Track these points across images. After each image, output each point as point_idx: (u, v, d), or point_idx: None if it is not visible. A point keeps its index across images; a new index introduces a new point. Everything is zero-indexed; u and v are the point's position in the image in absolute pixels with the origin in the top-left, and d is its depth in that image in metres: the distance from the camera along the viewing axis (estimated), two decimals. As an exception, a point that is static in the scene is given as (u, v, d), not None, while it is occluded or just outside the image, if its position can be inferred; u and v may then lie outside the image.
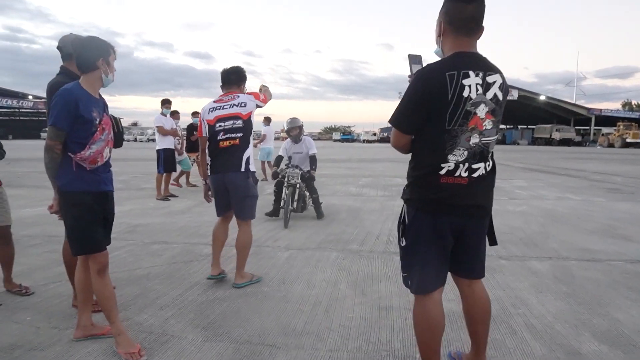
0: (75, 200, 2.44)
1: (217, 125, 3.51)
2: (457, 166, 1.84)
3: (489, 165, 1.91)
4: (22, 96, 58.55)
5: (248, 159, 3.52)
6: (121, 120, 3.26)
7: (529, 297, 3.36)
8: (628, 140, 46.59)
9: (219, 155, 3.51)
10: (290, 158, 6.55)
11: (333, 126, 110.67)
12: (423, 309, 2.02)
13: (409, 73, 2.12)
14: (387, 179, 12.06)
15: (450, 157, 1.83)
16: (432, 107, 1.79)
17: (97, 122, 2.46)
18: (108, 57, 2.52)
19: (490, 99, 1.81)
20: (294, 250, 4.66)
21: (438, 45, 1.95)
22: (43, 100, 72.78)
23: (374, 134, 74.19)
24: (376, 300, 3.30)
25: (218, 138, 3.51)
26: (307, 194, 6.47)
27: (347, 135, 78.60)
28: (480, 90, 1.78)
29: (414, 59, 2.16)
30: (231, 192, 3.54)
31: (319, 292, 3.45)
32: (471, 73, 1.77)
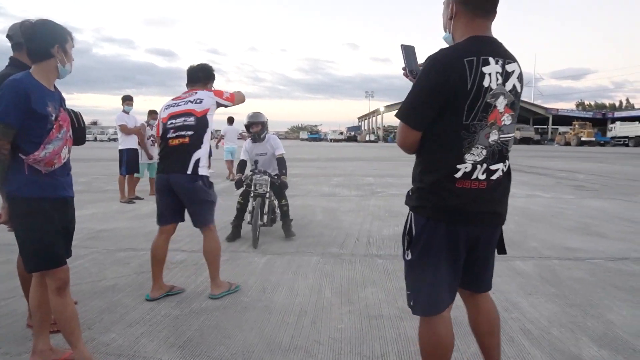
0: (28, 208, 2.12)
1: (169, 122, 3.25)
2: (474, 167, 1.62)
3: (506, 166, 1.73)
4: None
5: (198, 160, 3.15)
6: (81, 115, 2.95)
7: (520, 300, 3.26)
8: (583, 138, 48.76)
9: (167, 155, 3.22)
10: (255, 162, 5.21)
11: (300, 125, 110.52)
12: (431, 331, 1.78)
13: (403, 65, 1.91)
14: (359, 178, 11.95)
15: (467, 156, 1.61)
16: (448, 99, 1.55)
17: (53, 117, 2.16)
18: (65, 44, 2.21)
19: (509, 91, 1.62)
20: (271, 255, 4.42)
21: (447, 30, 1.73)
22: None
23: (341, 133, 74.55)
24: (364, 308, 3.11)
25: (168, 136, 3.23)
26: (276, 203, 5.32)
27: (314, 135, 78.63)
28: (500, 80, 1.58)
29: (408, 50, 1.93)
30: (181, 197, 3.20)
31: (302, 301, 3.23)
32: (491, 60, 1.57)
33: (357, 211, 6.92)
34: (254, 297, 3.32)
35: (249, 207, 5.09)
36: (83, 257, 4.34)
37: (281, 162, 5.21)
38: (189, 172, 3.10)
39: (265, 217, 5.00)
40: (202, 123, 3.19)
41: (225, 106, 3.34)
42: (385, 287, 3.53)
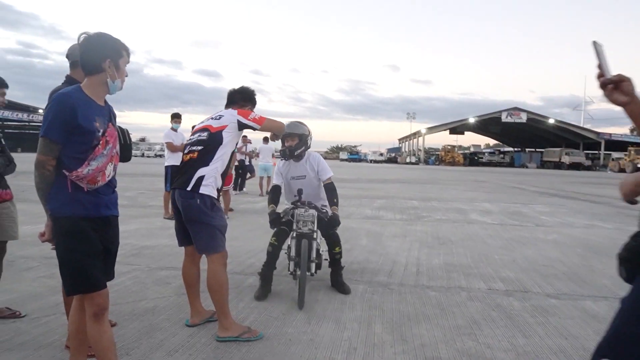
0: (69, 227, 2.01)
1: (189, 139, 3.14)
2: None
3: None
4: (33, 110, 58.99)
5: (202, 178, 2.85)
6: (129, 132, 2.89)
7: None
8: (639, 165, 45.94)
9: (179, 170, 3.07)
10: (299, 191, 3.83)
11: (340, 145, 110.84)
12: None
13: (597, 62, 1.51)
14: (402, 201, 11.59)
15: None
16: None
17: (100, 133, 2.06)
18: (118, 60, 2.13)
19: None
20: (315, 280, 4.20)
21: None
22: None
23: (381, 154, 74.03)
24: (420, 348, 2.82)
25: (184, 152, 3.11)
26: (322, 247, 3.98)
27: (354, 155, 78.45)
28: None
29: (599, 47, 1.57)
30: (182, 216, 2.94)
31: (351, 336, 2.98)
32: None
33: (402, 236, 6.61)
34: (299, 328, 3.09)
35: (286, 250, 3.88)
36: (125, 274, 4.28)
37: (330, 189, 3.93)
38: (188, 188, 2.83)
39: (312, 265, 3.67)
40: (214, 139, 2.94)
41: (253, 128, 3.07)
42: (441, 324, 3.22)
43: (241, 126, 3.02)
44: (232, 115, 3.03)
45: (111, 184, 2.18)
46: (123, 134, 2.84)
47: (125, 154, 2.90)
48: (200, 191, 2.83)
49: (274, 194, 3.98)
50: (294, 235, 3.73)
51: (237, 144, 3.19)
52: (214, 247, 2.91)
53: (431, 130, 65.63)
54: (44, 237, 2.09)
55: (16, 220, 3.23)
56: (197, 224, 2.88)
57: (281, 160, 4.15)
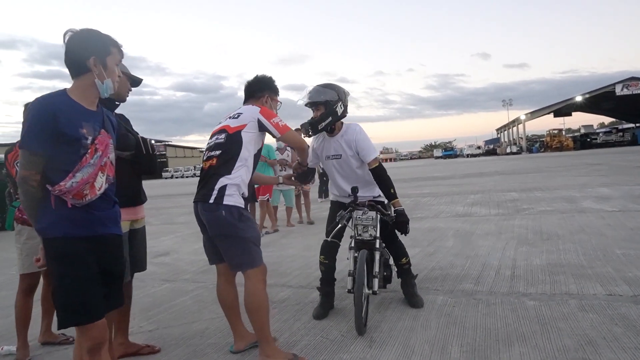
0: (58, 249, 1.77)
1: (208, 143, 2.73)
2: None
3: None
4: (144, 141, 65.78)
5: (225, 187, 2.47)
6: (151, 142, 2.67)
7: None
8: None
9: (200, 180, 2.67)
10: (354, 190, 3.08)
11: (433, 143, 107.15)
12: None
13: None
14: (500, 194, 10.41)
15: None
16: None
17: (89, 141, 1.80)
18: (105, 57, 1.88)
19: None
20: (385, 291, 3.65)
21: None
22: (163, 143, 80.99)
23: (478, 147, 69.87)
24: (510, 380, 2.16)
25: (203, 158, 2.71)
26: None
27: (449, 151, 75.05)
28: None
29: None
30: (209, 231, 2.60)
31: (420, 363, 2.40)
32: None
33: (497, 234, 5.73)
34: (356, 354, 2.59)
35: (350, 267, 3.03)
36: (189, 292, 4.12)
37: (379, 174, 3.10)
38: (210, 200, 2.47)
39: (375, 281, 2.97)
40: (233, 141, 2.56)
41: (272, 134, 2.66)
42: (541, 345, 2.50)
43: (262, 127, 2.62)
44: (252, 113, 2.64)
45: (108, 198, 1.91)
46: (145, 144, 2.64)
47: (148, 165, 2.69)
48: (225, 202, 2.47)
49: (302, 176, 3.31)
50: (352, 244, 3.09)
51: (261, 146, 2.77)
52: (250, 262, 2.54)
53: (532, 115, 60.42)
54: (39, 262, 1.87)
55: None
56: (226, 238, 2.53)
57: (318, 139, 3.33)
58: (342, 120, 3.20)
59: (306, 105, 3.14)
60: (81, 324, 1.79)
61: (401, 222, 3.04)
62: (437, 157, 71.68)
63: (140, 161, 2.64)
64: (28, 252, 2.93)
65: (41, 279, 3.12)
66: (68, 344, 3.07)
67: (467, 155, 64.56)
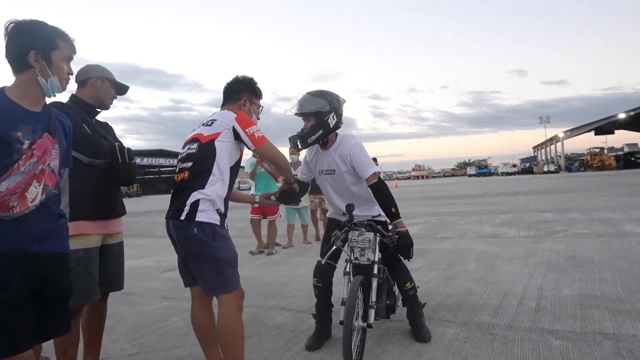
0: None
1: (180, 153, 2.46)
2: None
3: None
4: (182, 155, 69.54)
5: (197, 202, 2.19)
6: (130, 151, 2.47)
7: None
8: None
9: (172, 194, 2.38)
10: (349, 207, 2.71)
11: (468, 161, 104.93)
12: None
13: None
14: (533, 215, 9.79)
15: None
16: None
17: (24, 145, 1.58)
18: (50, 52, 1.68)
19: None
20: (392, 322, 3.28)
21: None
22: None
23: (514, 165, 67.86)
24: None
25: (176, 170, 2.43)
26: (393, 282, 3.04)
27: (482, 169, 73.13)
28: None
29: None
30: (180, 251, 2.35)
31: (415, 413, 2.04)
32: None
33: (524, 258, 5.24)
34: (343, 395, 2.25)
35: (343, 294, 2.62)
36: (184, 312, 3.87)
37: (378, 190, 2.75)
38: (182, 217, 2.20)
39: (371, 312, 2.54)
40: (205, 151, 2.28)
41: (247, 146, 2.37)
42: (564, 398, 2.08)
43: (237, 136, 2.32)
44: (227, 119, 2.34)
45: (47, 211, 1.67)
46: (122, 152, 2.44)
47: (124, 175, 2.48)
48: (197, 219, 2.20)
49: (287, 195, 2.88)
50: (347, 268, 2.69)
51: (239, 157, 2.45)
52: (223, 285, 2.25)
53: (571, 133, 58.25)
54: None
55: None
56: (197, 258, 2.25)
57: (312, 151, 3.04)
58: (336, 131, 2.90)
59: (296, 115, 2.83)
60: (5, 355, 1.54)
61: (403, 245, 2.64)
62: (470, 175, 69.92)
63: (116, 170, 2.43)
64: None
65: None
66: None
67: (502, 174, 62.72)
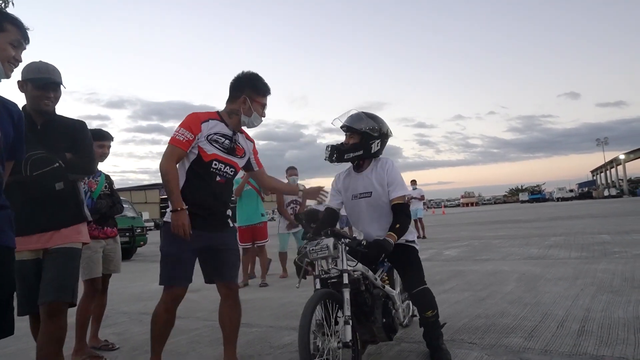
0: None
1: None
2: None
3: None
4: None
5: None
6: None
7: None
8: None
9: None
10: (353, 212, 2.81)
11: (520, 187, 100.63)
12: None
13: None
14: (588, 237, 8.95)
15: None
16: None
17: None
18: None
19: None
20: (408, 342, 2.91)
21: None
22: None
23: (571, 190, 64.17)
24: None
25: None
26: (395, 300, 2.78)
27: (536, 195, 69.68)
28: None
29: None
30: None
31: None
32: None
33: (572, 279, 4.66)
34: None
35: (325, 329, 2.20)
36: (190, 331, 3.66)
37: (398, 212, 2.62)
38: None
39: (347, 328, 2.15)
40: None
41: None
42: None
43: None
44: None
45: None
46: (25, 167, 2.12)
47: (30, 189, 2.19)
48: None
49: (319, 222, 2.76)
50: (316, 285, 2.32)
51: (194, 158, 2.43)
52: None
53: (634, 155, 54.53)
54: None
55: (118, 256, 3.49)
56: None
57: (344, 173, 2.88)
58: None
59: (341, 127, 2.72)
60: None
61: (373, 249, 2.39)
62: (523, 201, 66.75)
63: (23, 183, 2.15)
64: (87, 260, 3.10)
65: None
66: (109, 349, 3.28)
67: (557, 199, 59.32)
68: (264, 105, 2.57)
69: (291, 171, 6.72)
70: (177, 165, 2.40)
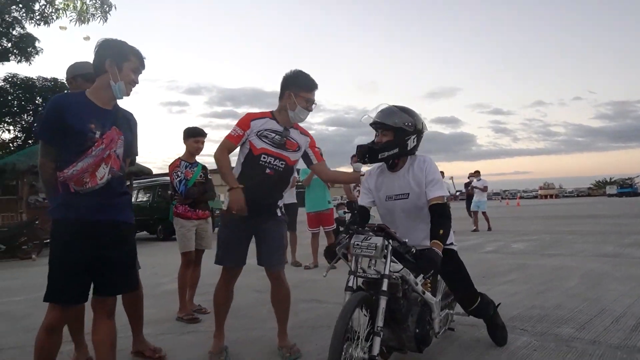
0: (54, 231, 1.98)
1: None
2: None
3: None
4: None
5: None
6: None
7: None
8: None
9: None
10: (387, 213, 2.61)
11: (609, 179, 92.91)
12: None
13: None
14: (674, 236, 8.42)
15: None
16: None
17: (96, 135, 1.97)
18: (122, 62, 2.04)
19: None
20: (462, 325, 3.19)
21: None
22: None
23: (670, 184, 58.07)
24: None
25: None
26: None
27: (626, 189, 63.90)
28: None
29: None
30: None
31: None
32: None
33: (641, 278, 4.61)
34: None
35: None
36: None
37: (438, 214, 2.34)
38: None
39: (376, 341, 1.99)
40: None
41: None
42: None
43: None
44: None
45: (113, 188, 2.03)
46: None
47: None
48: None
49: (353, 217, 2.48)
50: (349, 282, 2.15)
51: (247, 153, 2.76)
52: None
53: None
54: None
55: (209, 234, 4.06)
56: None
57: (377, 170, 2.65)
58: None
59: (371, 125, 2.51)
60: (48, 301, 1.95)
61: (424, 263, 2.09)
62: (610, 195, 61.59)
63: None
64: (182, 237, 3.84)
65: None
66: (201, 313, 3.84)
67: (652, 194, 54.08)
68: (308, 100, 2.74)
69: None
70: (236, 160, 2.80)
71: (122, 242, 2.08)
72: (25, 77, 19.32)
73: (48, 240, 2.26)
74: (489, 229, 11.70)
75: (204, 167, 4.04)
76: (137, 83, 2.14)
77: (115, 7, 11.83)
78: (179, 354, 2.91)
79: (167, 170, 4.11)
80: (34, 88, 19.39)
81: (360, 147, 2.51)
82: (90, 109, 2.01)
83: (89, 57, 2.16)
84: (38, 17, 13.70)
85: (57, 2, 12.83)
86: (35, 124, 2.11)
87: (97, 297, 2.04)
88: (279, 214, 2.82)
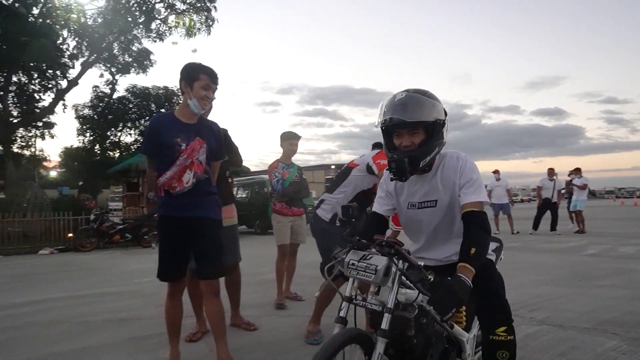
0: (158, 225, 2.54)
1: None
2: None
3: None
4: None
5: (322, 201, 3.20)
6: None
7: None
8: None
9: None
10: (410, 222, 2.02)
11: None
12: None
13: None
14: None
15: None
16: None
17: (183, 146, 2.39)
18: (192, 82, 2.41)
19: None
20: (548, 325, 3.22)
21: None
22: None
23: None
24: None
25: None
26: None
27: None
28: None
29: None
30: None
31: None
32: None
33: None
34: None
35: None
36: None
37: (471, 223, 1.75)
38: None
39: None
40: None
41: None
42: None
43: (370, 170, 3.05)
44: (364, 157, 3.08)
45: (200, 188, 2.43)
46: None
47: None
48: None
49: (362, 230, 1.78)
50: (341, 311, 1.62)
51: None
52: None
53: None
54: None
55: (303, 230, 4.40)
56: None
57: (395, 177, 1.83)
58: None
59: (391, 125, 1.79)
60: (161, 280, 2.52)
61: (439, 297, 1.50)
62: None
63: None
64: (278, 231, 4.28)
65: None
66: (298, 300, 4.33)
67: None
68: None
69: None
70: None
71: (206, 235, 2.47)
72: (142, 86, 22.03)
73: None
74: (580, 230, 10.50)
75: (299, 168, 4.44)
76: (213, 98, 2.49)
77: (217, 21, 13.04)
78: (277, 333, 3.34)
79: (263, 168, 4.63)
80: (149, 96, 22.01)
81: (399, 162, 1.76)
82: (176, 126, 2.42)
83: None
84: (154, 35, 15.51)
85: (169, 21, 14.44)
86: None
87: (202, 280, 2.51)
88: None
